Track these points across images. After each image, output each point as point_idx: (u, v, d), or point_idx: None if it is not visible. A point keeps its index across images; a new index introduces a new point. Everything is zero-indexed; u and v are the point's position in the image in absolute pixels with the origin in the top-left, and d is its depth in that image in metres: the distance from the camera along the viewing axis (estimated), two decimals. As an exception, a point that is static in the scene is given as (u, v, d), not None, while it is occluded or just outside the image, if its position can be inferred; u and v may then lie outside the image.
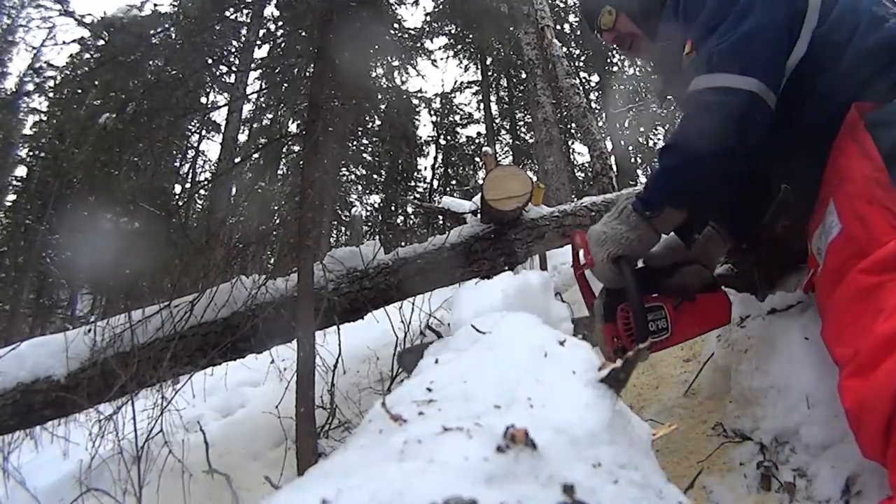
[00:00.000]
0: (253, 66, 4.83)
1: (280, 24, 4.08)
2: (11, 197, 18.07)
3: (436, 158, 24.11)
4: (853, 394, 1.16)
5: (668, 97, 1.95)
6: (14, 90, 17.68)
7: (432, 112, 23.63)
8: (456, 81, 23.30)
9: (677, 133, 1.52)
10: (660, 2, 1.79)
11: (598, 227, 1.56)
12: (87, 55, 14.28)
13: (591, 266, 1.56)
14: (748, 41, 1.40)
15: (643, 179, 21.82)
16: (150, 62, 3.48)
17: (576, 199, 4.93)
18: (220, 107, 13.58)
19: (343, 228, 20.95)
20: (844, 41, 1.41)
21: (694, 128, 1.46)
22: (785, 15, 1.43)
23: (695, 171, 1.47)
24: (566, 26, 22.55)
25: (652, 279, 1.66)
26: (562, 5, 22.36)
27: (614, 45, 2.04)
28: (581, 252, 1.62)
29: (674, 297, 1.63)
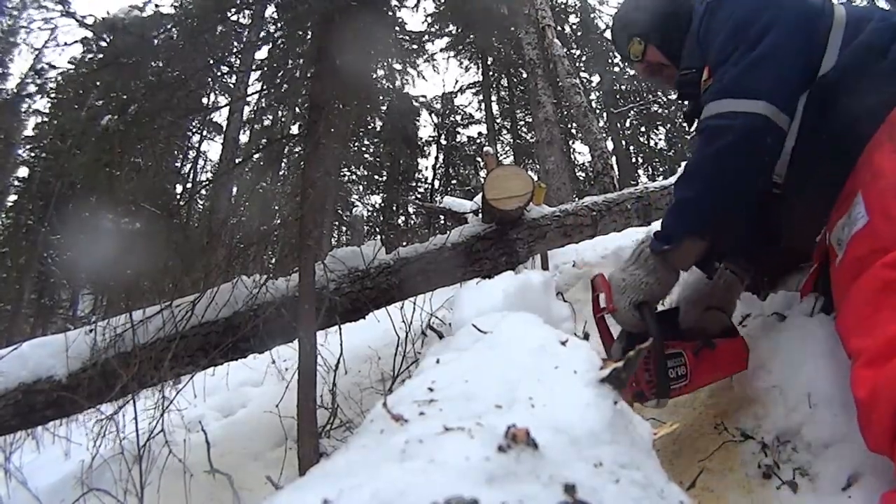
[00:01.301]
0: (254, 66, 4.83)
1: (280, 24, 4.08)
2: (13, 197, 18.10)
3: (437, 159, 24.12)
4: (867, 383, 1.17)
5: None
6: (15, 91, 17.70)
7: (433, 113, 23.64)
8: (457, 82, 23.24)
9: (690, 163, 1.56)
10: (683, 31, 1.83)
11: (618, 274, 1.59)
12: (89, 56, 14.30)
13: (612, 312, 1.58)
14: (756, 66, 1.43)
15: (644, 179, 21.83)
16: (152, 63, 3.48)
17: (577, 199, 4.93)
18: (221, 107, 13.59)
19: (344, 228, 20.97)
20: (882, 48, 1.42)
21: (705, 154, 1.49)
22: (803, 36, 1.46)
23: (709, 197, 1.48)
24: (567, 26, 22.55)
25: (672, 323, 1.69)
26: (562, 5, 22.37)
27: (645, 76, 2.08)
28: (602, 296, 1.64)
29: (693, 343, 1.60)
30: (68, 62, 16.98)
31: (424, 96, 22.88)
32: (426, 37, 18.41)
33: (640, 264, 1.56)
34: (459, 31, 19.27)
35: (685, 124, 2.09)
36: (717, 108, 1.45)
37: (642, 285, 1.53)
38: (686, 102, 1.91)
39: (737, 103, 1.41)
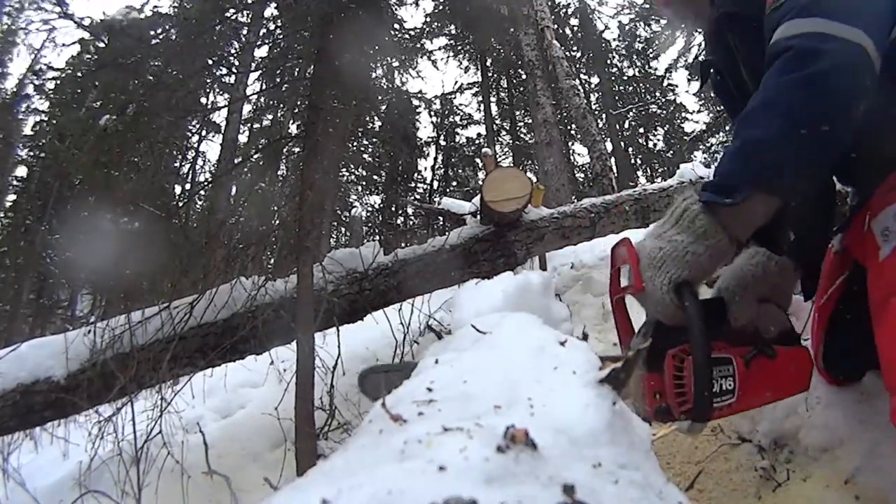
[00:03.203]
0: (253, 66, 4.84)
1: (280, 24, 4.09)
2: (12, 197, 18.09)
3: (436, 159, 24.14)
4: None
5: (716, 72, 1.58)
6: (14, 91, 17.70)
7: (432, 113, 23.65)
8: (456, 82, 23.22)
9: (760, 96, 1.13)
10: None
11: (651, 241, 1.14)
12: (88, 56, 14.30)
13: (638, 291, 1.14)
14: None
15: (643, 180, 21.86)
16: (151, 63, 3.48)
17: (575, 201, 4.93)
18: (220, 108, 13.59)
19: (343, 229, 20.96)
20: None
21: (788, 81, 1.10)
22: None
23: (792, 137, 1.07)
24: (566, 28, 22.58)
25: (718, 317, 1.26)
26: (562, 6, 22.41)
27: (663, 9, 1.67)
28: (627, 270, 1.20)
29: (745, 348, 1.19)
30: (67, 63, 16.98)
31: (423, 93, 22.89)
32: (425, 34, 18.42)
33: (683, 227, 1.11)
34: (459, 31, 19.28)
35: (698, 79, 1.70)
36: (802, 27, 1.09)
37: (686, 256, 1.09)
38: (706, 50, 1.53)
39: (830, 25, 1.06)
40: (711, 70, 1.58)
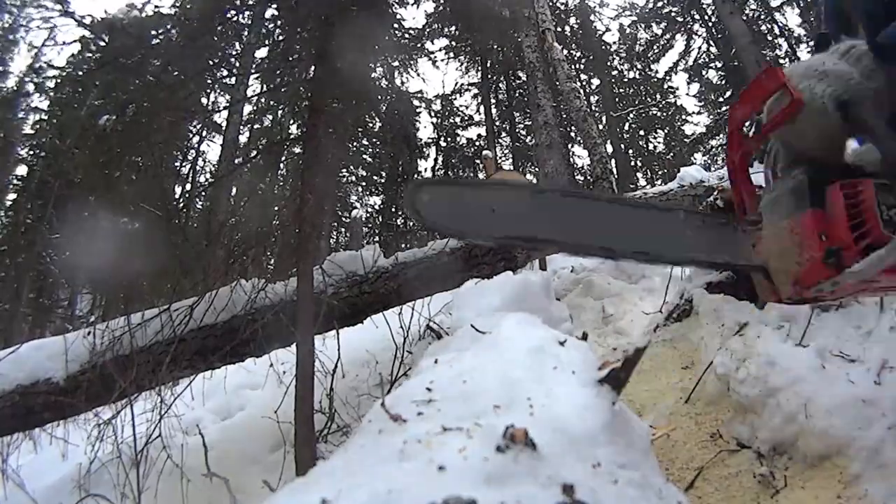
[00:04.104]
0: (253, 67, 4.84)
1: (280, 25, 4.09)
2: (12, 196, 18.06)
3: (436, 160, 24.09)
4: None
5: None
6: (15, 89, 17.69)
7: (433, 114, 23.65)
8: (456, 83, 23.16)
9: None
10: None
11: (805, 63, 1.03)
12: (88, 55, 14.31)
13: (797, 105, 0.93)
14: None
15: (643, 182, 21.86)
16: (152, 63, 3.48)
17: (575, 203, 4.92)
18: (220, 109, 13.60)
19: (343, 230, 20.94)
20: None
21: None
22: None
23: None
24: (567, 29, 22.59)
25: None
26: (563, 8, 22.42)
27: None
28: (771, 101, 1.00)
29: None
30: (67, 61, 16.98)
31: (423, 92, 22.87)
32: (425, 35, 18.43)
33: (850, 61, 1.00)
34: (459, 32, 19.28)
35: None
36: None
37: (850, 81, 0.96)
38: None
39: None
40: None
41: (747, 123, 1.10)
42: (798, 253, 0.92)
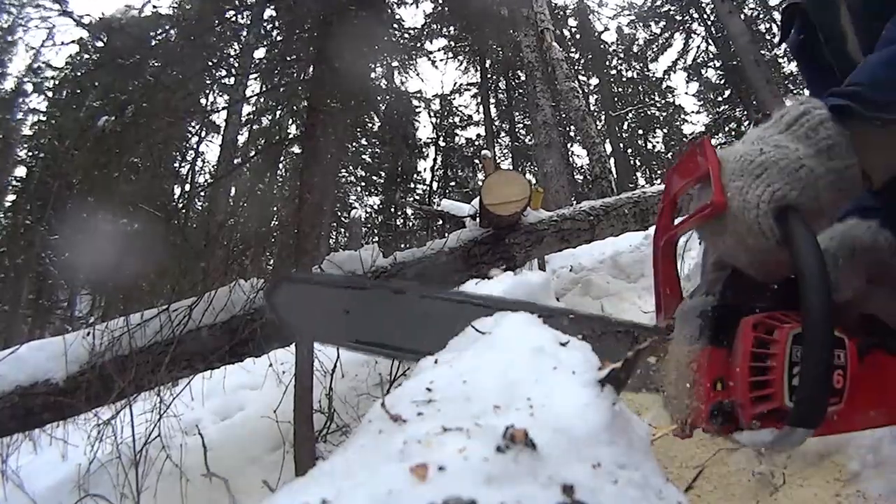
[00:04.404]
0: (252, 68, 4.84)
1: (278, 25, 4.09)
2: (11, 197, 18.07)
3: (435, 160, 24.13)
4: None
5: None
6: (13, 90, 17.70)
7: (432, 114, 23.66)
8: (455, 83, 23.17)
9: None
10: None
11: (745, 145, 0.77)
12: (87, 56, 14.30)
13: (718, 210, 0.73)
14: None
15: (642, 182, 21.88)
16: (150, 64, 3.48)
17: (575, 203, 4.93)
18: (219, 109, 13.61)
19: (342, 230, 20.95)
20: None
21: None
22: None
23: None
24: (566, 30, 22.62)
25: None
26: (561, 8, 22.45)
27: None
28: (699, 188, 0.81)
29: (859, 335, 0.78)
30: (66, 62, 16.98)
31: (422, 92, 22.89)
32: (424, 35, 18.43)
33: (797, 134, 0.74)
34: (458, 32, 19.29)
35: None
36: None
37: (800, 171, 0.71)
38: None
39: None
40: (798, 18, 1.14)
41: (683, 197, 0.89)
42: (688, 393, 0.75)
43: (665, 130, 23.08)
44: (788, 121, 0.75)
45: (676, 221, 0.87)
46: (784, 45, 1.20)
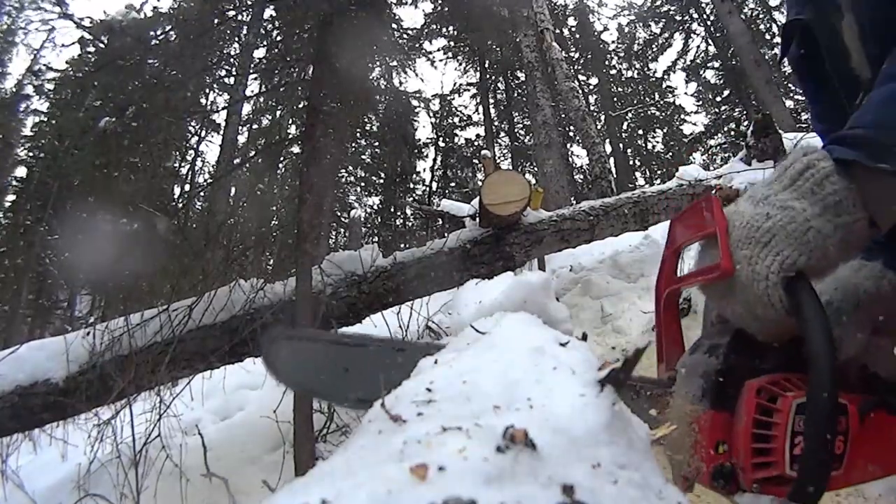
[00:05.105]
0: (252, 67, 4.84)
1: (278, 25, 4.09)
2: (11, 197, 18.08)
3: (435, 160, 24.15)
4: None
5: None
6: (14, 91, 17.71)
7: (431, 114, 23.68)
8: (455, 83, 23.19)
9: None
10: None
11: (751, 206, 0.75)
12: (87, 56, 14.32)
13: (726, 276, 0.72)
14: None
15: (641, 182, 21.89)
16: (150, 64, 3.48)
17: (574, 203, 4.93)
18: (219, 109, 13.62)
19: (342, 230, 20.96)
20: None
21: None
22: None
23: None
24: (565, 29, 22.63)
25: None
26: (561, 8, 22.45)
27: None
28: (704, 246, 0.81)
29: (859, 394, 0.77)
30: (66, 63, 17.00)
31: (421, 92, 22.90)
32: (424, 35, 18.44)
33: (803, 191, 0.72)
34: (457, 32, 19.30)
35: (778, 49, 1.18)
36: None
37: (808, 233, 0.70)
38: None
39: None
40: (798, 34, 1.10)
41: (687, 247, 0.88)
42: (690, 453, 0.75)
43: (665, 130, 23.11)
44: (793, 175, 0.74)
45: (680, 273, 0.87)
46: (781, 62, 1.16)
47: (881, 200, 0.71)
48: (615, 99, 22.88)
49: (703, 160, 19.78)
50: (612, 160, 17.97)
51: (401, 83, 19.44)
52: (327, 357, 1.02)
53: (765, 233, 0.71)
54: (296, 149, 3.87)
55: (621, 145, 22.51)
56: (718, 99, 21.24)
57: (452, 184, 23.36)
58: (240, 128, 15.66)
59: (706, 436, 0.73)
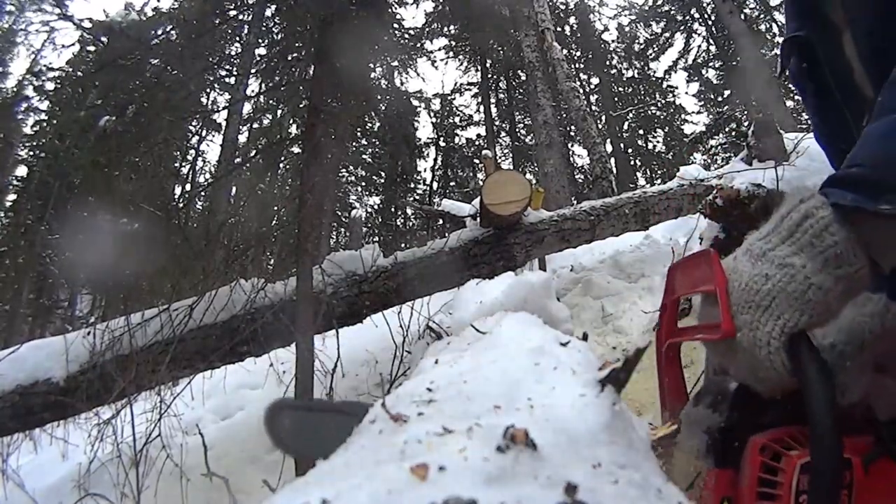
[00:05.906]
0: (253, 66, 4.84)
1: (279, 24, 4.09)
2: (12, 197, 18.10)
3: (435, 160, 24.15)
4: None
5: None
6: (14, 91, 17.72)
7: (432, 114, 23.68)
8: (456, 83, 23.19)
9: None
10: None
11: (750, 264, 0.73)
12: (88, 55, 14.32)
13: (727, 337, 0.71)
14: None
15: (642, 182, 21.88)
16: (151, 64, 3.49)
17: (575, 203, 4.93)
18: (220, 109, 13.62)
19: (343, 230, 20.96)
20: None
21: None
22: None
23: None
24: (566, 29, 22.62)
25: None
26: (562, 7, 22.44)
27: None
28: (704, 302, 0.80)
29: (863, 440, 0.75)
30: (66, 63, 17.00)
31: (422, 92, 22.90)
32: (425, 35, 18.45)
33: (801, 243, 0.70)
34: (458, 32, 19.30)
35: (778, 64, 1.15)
36: None
37: (808, 292, 0.68)
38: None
39: None
40: (798, 50, 1.06)
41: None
42: None
43: (665, 130, 23.09)
44: (790, 226, 0.71)
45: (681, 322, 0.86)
46: (782, 76, 1.14)
47: (883, 245, 0.70)
48: (616, 99, 22.87)
49: (704, 160, 19.76)
50: (612, 160, 17.95)
51: (402, 83, 19.46)
52: (327, 425, 1.02)
53: (765, 296, 0.69)
54: (296, 148, 3.87)
55: (622, 145, 22.49)
56: (719, 99, 21.22)
57: (453, 183, 23.35)
58: (240, 127, 15.66)
59: (711, 493, 0.73)
